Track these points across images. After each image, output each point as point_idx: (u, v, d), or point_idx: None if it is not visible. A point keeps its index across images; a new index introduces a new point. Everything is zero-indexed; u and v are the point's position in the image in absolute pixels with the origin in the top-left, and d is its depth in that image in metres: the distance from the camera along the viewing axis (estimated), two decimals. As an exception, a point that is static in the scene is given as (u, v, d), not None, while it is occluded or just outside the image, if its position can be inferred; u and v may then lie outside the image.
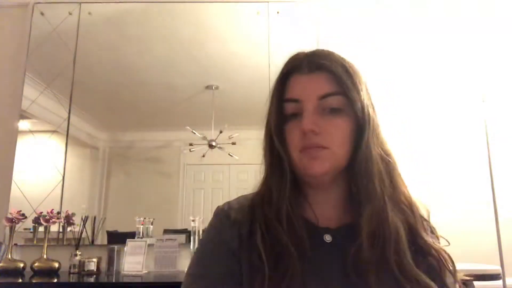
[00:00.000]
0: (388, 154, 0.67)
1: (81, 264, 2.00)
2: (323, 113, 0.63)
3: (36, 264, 1.98)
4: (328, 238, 0.65)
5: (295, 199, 0.67)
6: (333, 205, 0.68)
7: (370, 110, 0.65)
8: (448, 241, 0.70)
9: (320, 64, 0.65)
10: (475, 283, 1.65)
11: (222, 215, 0.70)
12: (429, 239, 0.64)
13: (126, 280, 1.89)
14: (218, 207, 0.73)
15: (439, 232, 0.71)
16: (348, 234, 0.63)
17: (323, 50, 0.68)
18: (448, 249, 0.66)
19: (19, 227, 2.07)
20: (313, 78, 0.65)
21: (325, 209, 0.68)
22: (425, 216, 0.69)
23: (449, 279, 0.62)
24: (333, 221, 0.67)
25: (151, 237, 2.21)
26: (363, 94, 0.65)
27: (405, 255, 0.60)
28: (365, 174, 0.63)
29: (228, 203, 0.73)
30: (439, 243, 0.68)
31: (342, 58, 0.67)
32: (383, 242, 0.60)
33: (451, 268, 0.63)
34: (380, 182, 0.63)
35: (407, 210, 0.65)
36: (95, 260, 2.01)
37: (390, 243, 0.60)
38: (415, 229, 0.64)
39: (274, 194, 0.65)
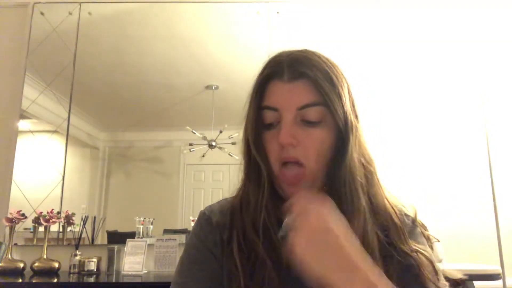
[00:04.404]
0: (369, 162, 0.65)
1: (81, 264, 2.00)
2: (302, 124, 0.62)
3: (36, 264, 1.98)
4: None
5: (275, 203, 0.66)
6: None
7: (353, 118, 0.63)
8: (437, 239, 0.70)
9: (300, 72, 0.62)
10: (475, 283, 1.65)
11: (204, 220, 0.70)
12: (407, 246, 0.63)
13: (126, 280, 1.89)
14: (200, 212, 0.72)
15: (432, 229, 0.71)
16: None
17: (306, 53, 0.65)
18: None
19: (19, 227, 2.07)
20: (292, 87, 0.62)
21: None
22: (412, 215, 0.69)
23: (430, 283, 0.61)
24: None
25: (151, 237, 2.21)
26: (346, 101, 0.63)
27: (379, 268, 0.59)
28: (349, 187, 0.61)
29: (210, 207, 0.72)
30: (427, 239, 0.68)
31: (326, 62, 0.64)
32: None
33: (431, 271, 0.62)
34: (363, 195, 0.62)
35: (385, 219, 0.65)
36: (95, 260, 2.01)
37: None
38: (392, 239, 0.63)
39: (251, 201, 0.65)
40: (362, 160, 0.64)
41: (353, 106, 0.66)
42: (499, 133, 2.28)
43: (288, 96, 0.62)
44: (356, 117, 0.65)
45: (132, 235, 2.21)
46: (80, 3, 2.48)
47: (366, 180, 0.64)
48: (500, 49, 2.44)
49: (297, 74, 0.62)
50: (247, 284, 0.60)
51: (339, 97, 0.62)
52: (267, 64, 0.66)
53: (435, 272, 0.62)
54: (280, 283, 0.60)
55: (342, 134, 0.62)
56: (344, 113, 0.62)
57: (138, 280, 1.88)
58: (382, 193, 0.66)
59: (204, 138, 2.38)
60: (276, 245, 0.62)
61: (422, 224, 0.70)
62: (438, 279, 0.62)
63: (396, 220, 0.65)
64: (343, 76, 0.66)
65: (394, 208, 0.67)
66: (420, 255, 0.62)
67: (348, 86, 0.66)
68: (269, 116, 0.64)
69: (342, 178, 0.62)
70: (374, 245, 0.61)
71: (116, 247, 2.08)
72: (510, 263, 2.04)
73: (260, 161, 0.64)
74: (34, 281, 1.82)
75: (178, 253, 2.08)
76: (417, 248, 0.63)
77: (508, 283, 1.99)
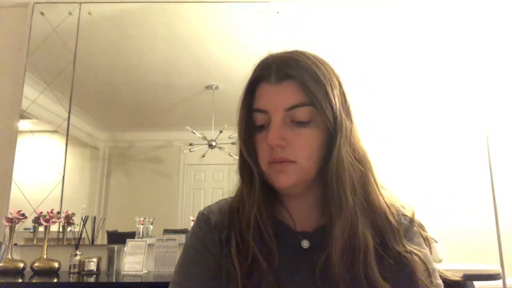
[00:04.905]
0: (361, 161, 0.64)
1: (81, 264, 2.00)
2: (291, 125, 0.62)
3: (36, 264, 1.98)
4: (305, 244, 0.66)
5: (271, 204, 0.67)
6: (308, 209, 0.68)
7: (343, 116, 0.63)
8: (435, 240, 0.70)
9: (287, 74, 0.62)
10: (475, 283, 1.65)
11: (202, 220, 0.71)
12: (401, 246, 0.63)
13: (126, 280, 1.89)
14: (199, 212, 0.73)
15: (432, 229, 0.71)
16: (324, 238, 0.63)
17: (293, 54, 0.65)
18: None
19: (19, 227, 2.07)
20: (280, 89, 0.63)
21: (302, 212, 0.68)
22: (409, 215, 0.69)
23: (423, 284, 0.61)
24: (309, 224, 0.68)
25: (151, 237, 2.21)
26: (335, 100, 0.62)
27: (372, 267, 0.60)
28: (337, 186, 0.62)
29: (209, 207, 0.73)
30: (425, 240, 0.68)
31: (314, 62, 0.64)
32: (353, 254, 0.60)
33: (424, 273, 0.62)
34: (352, 193, 0.62)
35: (379, 218, 0.64)
36: (95, 260, 2.01)
37: (359, 256, 0.60)
38: (386, 239, 0.63)
39: (246, 201, 0.66)
40: (354, 159, 0.63)
41: (345, 105, 0.65)
42: (499, 133, 2.28)
43: (276, 98, 0.63)
44: (348, 116, 0.65)
45: (132, 235, 2.21)
46: (80, 3, 2.48)
47: (359, 179, 0.64)
48: (500, 49, 2.44)
49: (284, 75, 0.63)
50: (244, 284, 0.60)
51: (327, 96, 0.62)
52: (256, 67, 0.67)
53: (429, 273, 0.62)
54: (276, 283, 0.60)
55: (331, 133, 0.63)
56: (333, 112, 0.62)
57: (138, 280, 1.88)
58: (377, 192, 0.66)
59: (204, 138, 2.38)
60: (270, 246, 0.63)
61: (420, 224, 0.70)
62: (431, 281, 0.62)
63: (391, 219, 0.65)
64: (334, 76, 0.65)
65: (391, 207, 0.66)
66: (414, 256, 0.62)
67: (340, 85, 0.66)
68: (259, 118, 0.65)
69: (329, 177, 0.62)
70: (366, 245, 0.61)
71: (116, 247, 2.08)
72: (510, 263, 2.04)
73: (250, 162, 0.65)
74: (34, 281, 1.82)
75: (178, 253, 2.07)
76: (411, 249, 0.63)
77: (508, 283, 1.99)
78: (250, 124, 0.66)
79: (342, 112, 0.63)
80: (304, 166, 0.62)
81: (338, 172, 0.62)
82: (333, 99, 0.62)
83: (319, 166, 0.64)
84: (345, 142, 0.62)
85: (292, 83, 0.62)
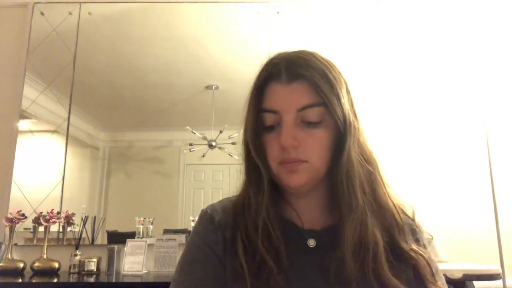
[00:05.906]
0: (368, 161, 0.65)
1: (81, 264, 2.00)
2: (302, 125, 0.63)
3: (36, 264, 1.98)
4: (312, 243, 0.65)
5: (277, 203, 0.67)
6: (316, 208, 0.68)
7: (352, 117, 0.64)
8: (431, 235, 0.71)
9: (298, 74, 0.62)
10: (475, 283, 1.65)
11: (205, 218, 0.70)
12: (407, 245, 0.64)
13: (126, 280, 1.89)
14: (202, 211, 0.72)
15: (432, 229, 0.71)
16: (331, 238, 0.63)
17: (302, 54, 0.65)
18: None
19: (19, 227, 2.08)
20: (291, 89, 0.62)
21: (308, 211, 0.68)
22: (410, 215, 0.70)
23: (428, 283, 0.62)
24: (316, 223, 0.67)
25: (151, 237, 2.21)
26: (345, 101, 0.63)
27: (382, 266, 0.60)
28: (347, 185, 0.62)
29: (212, 205, 0.73)
30: (423, 243, 0.69)
31: (323, 62, 0.64)
32: (363, 253, 0.61)
33: (429, 272, 0.63)
34: (362, 193, 0.62)
35: (387, 217, 0.65)
36: (95, 260, 2.01)
37: (369, 254, 0.60)
38: (394, 238, 0.64)
39: (252, 203, 0.65)
40: (362, 159, 0.64)
41: (352, 105, 0.66)
42: (499, 133, 2.27)
43: (287, 98, 0.62)
44: (355, 116, 0.66)
45: (132, 235, 2.21)
46: (80, 3, 2.48)
47: (367, 178, 0.64)
48: (500, 49, 2.44)
49: (295, 75, 0.63)
50: (253, 284, 0.60)
51: (338, 97, 0.62)
52: (265, 66, 0.67)
53: (433, 273, 0.63)
54: (285, 283, 0.60)
55: (341, 133, 0.63)
56: (343, 112, 0.62)
57: (138, 280, 1.88)
58: (385, 191, 0.66)
59: (204, 138, 2.38)
60: (278, 247, 0.63)
61: (418, 224, 0.71)
62: (435, 280, 0.63)
63: (398, 219, 0.65)
64: (341, 76, 0.66)
65: (397, 207, 0.67)
66: (419, 256, 0.63)
67: (346, 85, 0.66)
68: (269, 118, 0.64)
69: (339, 177, 0.63)
70: (376, 243, 0.61)
71: (116, 247, 2.08)
72: (510, 263, 2.04)
73: (260, 163, 0.65)
74: (34, 281, 1.82)
75: (178, 253, 2.08)
76: (416, 249, 0.64)
77: (508, 283, 1.99)
78: (259, 124, 0.65)
79: (350, 112, 0.64)
80: (315, 165, 0.63)
81: (348, 172, 0.62)
82: (343, 100, 0.63)
83: (328, 165, 0.64)
84: (354, 142, 0.63)
85: (303, 83, 0.62)
